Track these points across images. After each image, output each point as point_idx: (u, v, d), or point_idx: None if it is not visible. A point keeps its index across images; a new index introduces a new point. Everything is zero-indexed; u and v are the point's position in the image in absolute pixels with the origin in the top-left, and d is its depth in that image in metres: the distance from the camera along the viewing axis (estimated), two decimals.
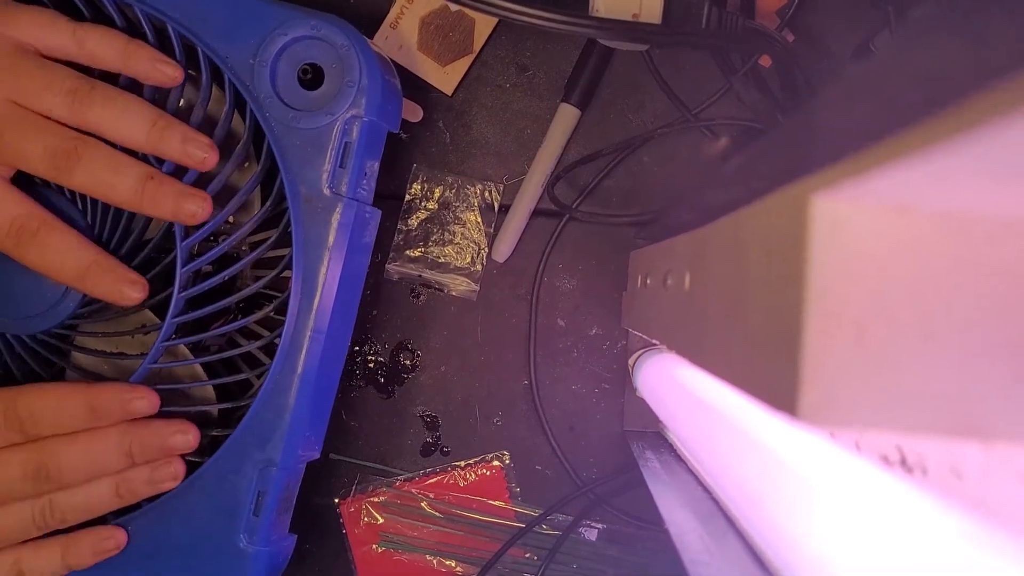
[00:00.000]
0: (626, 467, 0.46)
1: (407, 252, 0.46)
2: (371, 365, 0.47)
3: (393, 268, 0.46)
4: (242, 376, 0.39)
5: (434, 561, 0.46)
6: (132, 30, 0.36)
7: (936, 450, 0.20)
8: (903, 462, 0.20)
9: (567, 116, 0.45)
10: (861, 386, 0.15)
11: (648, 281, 0.37)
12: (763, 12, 0.43)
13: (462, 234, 0.46)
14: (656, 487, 0.35)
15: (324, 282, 0.36)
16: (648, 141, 0.46)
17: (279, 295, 0.38)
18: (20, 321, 0.36)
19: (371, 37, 0.45)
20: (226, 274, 0.37)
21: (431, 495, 0.47)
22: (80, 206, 0.36)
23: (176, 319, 0.36)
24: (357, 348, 0.47)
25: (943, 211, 0.16)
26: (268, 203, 0.37)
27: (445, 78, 0.45)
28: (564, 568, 0.46)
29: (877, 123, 0.13)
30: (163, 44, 0.37)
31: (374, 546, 0.47)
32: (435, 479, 0.47)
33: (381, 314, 0.47)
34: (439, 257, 0.46)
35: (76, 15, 0.36)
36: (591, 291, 0.47)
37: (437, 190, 0.46)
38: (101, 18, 0.36)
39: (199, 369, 0.39)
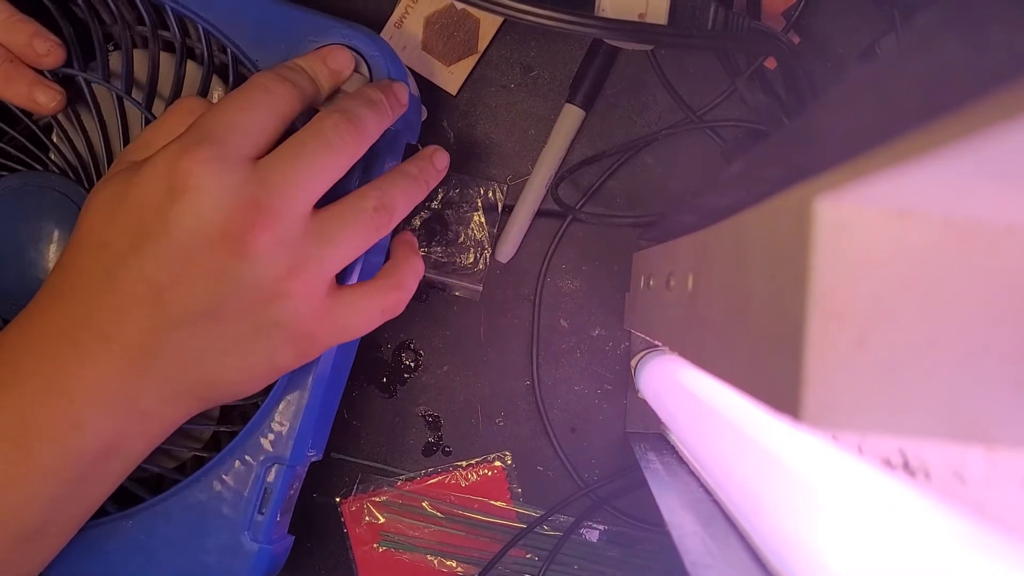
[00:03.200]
0: (628, 468, 0.46)
1: None
2: (373, 364, 0.47)
3: None
4: None
5: (435, 561, 0.46)
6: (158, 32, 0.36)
7: (939, 454, 0.20)
8: (906, 465, 0.20)
9: (571, 117, 0.45)
10: (864, 389, 0.15)
11: (651, 283, 0.37)
12: (769, 14, 0.43)
13: (465, 234, 0.46)
14: (658, 489, 0.35)
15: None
16: (652, 142, 0.46)
17: None
18: (8, 306, 0.36)
19: None
20: None
21: (432, 495, 0.47)
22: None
23: None
24: (359, 347, 0.47)
25: (946, 215, 0.15)
26: None
27: (449, 78, 0.45)
28: (565, 569, 0.46)
29: (881, 127, 0.13)
30: (193, 46, 0.37)
31: (375, 545, 0.47)
32: (436, 479, 0.47)
33: None
34: (442, 257, 0.46)
35: (108, 14, 0.36)
36: (594, 292, 0.47)
37: (440, 190, 0.46)
38: (134, 17, 0.36)
39: None
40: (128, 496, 0.39)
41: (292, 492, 0.38)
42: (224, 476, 0.36)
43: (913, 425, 0.15)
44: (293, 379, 0.36)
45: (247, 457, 0.36)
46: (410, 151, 0.39)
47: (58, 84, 0.36)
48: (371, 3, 0.45)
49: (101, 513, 0.37)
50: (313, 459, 0.39)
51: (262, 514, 0.36)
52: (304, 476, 0.39)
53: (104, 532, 0.37)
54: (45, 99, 0.35)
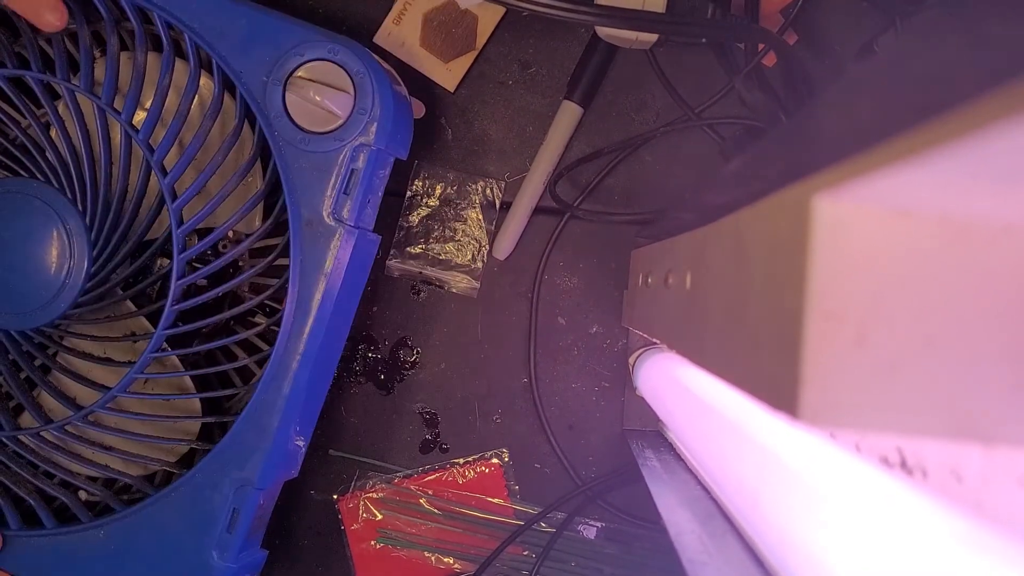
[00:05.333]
0: (624, 465, 0.46)
1: (408, 249, 0.46)
2: (371, 361, 0.47)
3: (394, 265, 0.46)
4: (229, 392, 0.39)
5: (432, 558, 0.46)
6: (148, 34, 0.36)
7: (936, 452, 0.20)
8: (903, 464, 0.20)
9: (569, 114, 0.45)
10: (862, 387, 0.15)
11: (649, 280, 0.36)
12: (767, 13, 0.43)
13: (463, 231, 0.46)
14: (655, 486, 0.35)
15: (317, 309, 0.36)
16: (650, 140, 0.46)
17: (277, 307, 0.37)
18: (12, 316, 0.36)
19: (374, 34, 0.45)
20: (219, 290, 0.37)
21: (430, 492, 0.47)
22: (80, 207, 0.35)
23: (166, 331, 0.36)
24: (357, 345, 0.47)
25: (945, 214, 0.15)
26: (268, 222, 0.37)
27: (448, 75, 0.45)
28: (562, 566, 0.46)
29: (879, 125, 0.13)
30: (179, 52, 0.36)
31: (372, 542, 0.47)
32: (434, 476, 0.47)
33: (381, 310, 0.47)
34: (440, 254, 0.46)
35: (94, 14, 0.35)
36: (592, 289, 0.47)
37: (438, 187, 0.46)
38: (121, 19, 0.36)
39: (187, 381, 0.39)
40: (101, 507, 0.38)
41: (263, 512, 0.38)
42: (195, 494, 0.36)
43: (911, 424, 0.15)
44: (265, 401, 0.36)
45: (218, 476, 0.36)
46: (399, 166, 0.39)
47: (42, 91, 0.35)
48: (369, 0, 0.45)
49: (73, 520, 0.36)
50: (288, 478, 0.39)
51: (231, 533, 0.36)
52: (278, 493, 0.39)
53: (75, 541, 0.37)
54: (52, 18, 0.34)
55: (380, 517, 0.47)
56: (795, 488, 0.22)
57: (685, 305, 0.28)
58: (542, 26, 0.46)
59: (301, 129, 0.35)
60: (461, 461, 0.47)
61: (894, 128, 0.13)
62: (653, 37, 0.40)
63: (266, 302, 0.41)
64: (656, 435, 0.45)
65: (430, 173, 0.46)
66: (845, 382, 0.15)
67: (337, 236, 0.35)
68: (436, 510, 0.47)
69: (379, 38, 0.45)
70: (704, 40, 0.42)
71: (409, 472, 0.47)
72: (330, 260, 0.35)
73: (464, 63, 0.45)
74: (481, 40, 0.45)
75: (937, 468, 0.19)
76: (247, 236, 0.37)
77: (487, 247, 0.46)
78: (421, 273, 0.46)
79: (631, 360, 0.45)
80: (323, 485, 0.47)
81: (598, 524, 0.47)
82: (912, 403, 0.15)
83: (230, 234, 0.39)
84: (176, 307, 0.36)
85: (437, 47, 0.45)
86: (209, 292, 0.37)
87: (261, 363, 0.38)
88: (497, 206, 0.46)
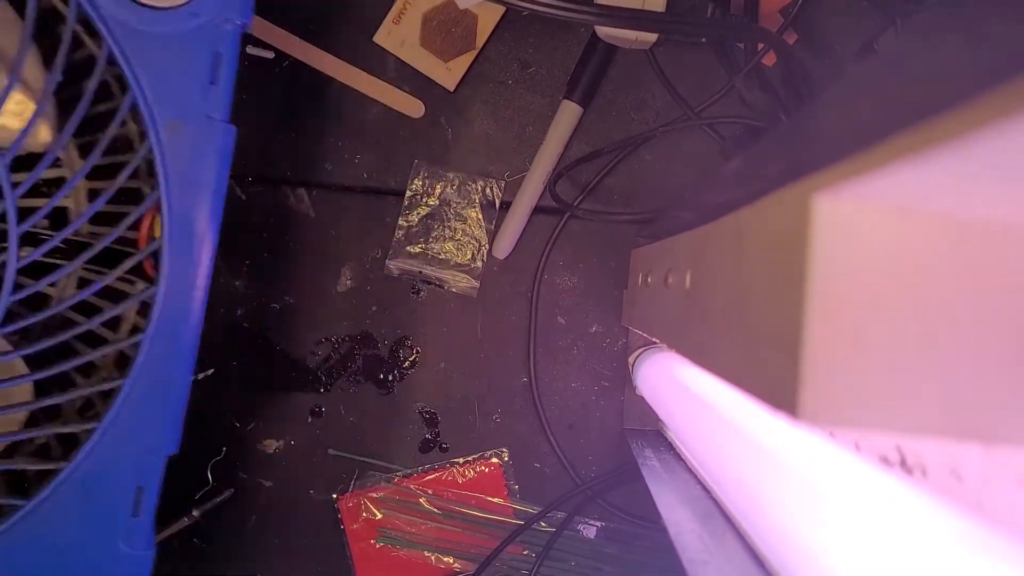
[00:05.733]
0: (623, 465, 0.46)
1: (408, 248, 0.46)
2: (370, 361, 0.47)
3: (393, 264, 0.46)
4: (103, 351, 0.31)
5: (432, 557, 0.46)
6: None
7: (936, 452, 0.20)
8: (903, 463, 0.20)
9: (569, 113, 0.45)
10: (861, 387, 0.15)
11: (649, 279, 0.36)
12: (767, 12, 0.43)
13: (463, 231, 0.46)
14: (655, 486, 0.35)
15: (203, 227, 0.29)
16: (650, 139, 0.46)
17: (131, 250, 0.29)
18: None
19: (374, 34, 0.45)
20: (67, 232, 0.29)
21: (430, 491, 0.47)
22: None
23: (14, 297, 0.28)
24: (357, 344, 0.47)
25: (945, 213, 0.15)
26: (110, 130, 0.29)
27: (447, 74, 0.45)
28: (562, 565, 0.46)
29: (879, 124, 0.13)
30: None
31: (372, 542, 0.47)
32: (434, 475, 0.47)
33: (381, 310, 0.47)
34: (440, 253, 0.46)
35: None
36: (592, 289, 0.47)
37: (438, 186, 0.46)
38: None
39: (20, 363, 0.31)
40: None
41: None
42: (83, 485, 0.30)
43: (910, 423, 0.15)
44: (157, 351, 0.30)
45: (111, 454, 0.30)
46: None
47: None
48: None
49: None
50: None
51: (137, 516, 0.30)
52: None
53: None
54: None
55: (380, 516, 0.47)
56: (795, 487, 0.22)
57: (685, 304, 0.28)
58: (542, 26, 0.46)
59: (138, 3, 0.28)
60: (461, 460, 0.47)
61: (894, 127, 0.13)
62: (653, 36, 0.40)
63: (125, 248, 0.32)
64: (656, 435, 0.45)
65: (430, 172, 0.46)
66: (845, 381, 0.15)
67: (211, 137, 0.29)
68: (436, 509, 0.47)
69: (379, 37, 0.45)
70: (704, 39, 0.42)
71: (409, 471, 0.47)
72: (206, 167, 0.29)
73: (464, 63, 0.45)
74: (481, 39, 0.45)
75: (937, 467, 0.19)
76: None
77: (487, 246, 0.46)
78: (421, 273, 0.46)
79: (631, 359, 0.45)
80: (323, 485, 0.47)
81: (598, 524, 0.47)
82: (912, 402, 0.15)
83: (60, 157, 0.31)
84: (24, 261, 0.27)
85: (437, 46, 0.45)
86: (52, 239, 0.29)
87: (143, 310, 0.31)
88: (497, 206, 0.46)
